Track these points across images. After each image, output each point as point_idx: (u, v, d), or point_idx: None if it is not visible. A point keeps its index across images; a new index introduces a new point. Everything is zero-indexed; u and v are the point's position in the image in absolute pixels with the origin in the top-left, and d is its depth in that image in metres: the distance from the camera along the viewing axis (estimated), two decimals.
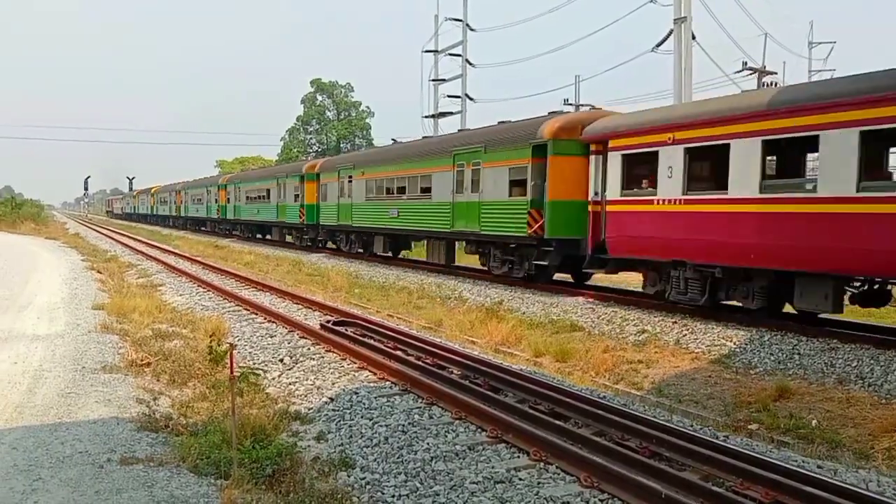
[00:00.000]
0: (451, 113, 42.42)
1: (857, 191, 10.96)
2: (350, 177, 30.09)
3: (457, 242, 24.33)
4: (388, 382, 9.80)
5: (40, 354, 10.81)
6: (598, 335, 15.09)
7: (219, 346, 10.08)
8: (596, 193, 16.81)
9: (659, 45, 31.05)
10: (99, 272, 23.67)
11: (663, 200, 14.61)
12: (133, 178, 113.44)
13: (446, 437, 7.67)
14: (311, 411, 8.70)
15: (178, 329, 13.50)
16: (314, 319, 14.86)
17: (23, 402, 8.31)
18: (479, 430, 7.87)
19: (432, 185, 23.29)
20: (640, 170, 15.66)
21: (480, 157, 20.42)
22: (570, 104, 38.46)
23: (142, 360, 10.41)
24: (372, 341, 12.17)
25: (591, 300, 17.85)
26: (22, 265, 25.53)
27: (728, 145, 13.12)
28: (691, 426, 8.52)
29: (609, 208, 16.35)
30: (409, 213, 25.08)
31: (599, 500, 6.26)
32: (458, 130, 27.79)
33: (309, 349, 11.99)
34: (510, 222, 19.03)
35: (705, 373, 12.23)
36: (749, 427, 9.52)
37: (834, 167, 11.26)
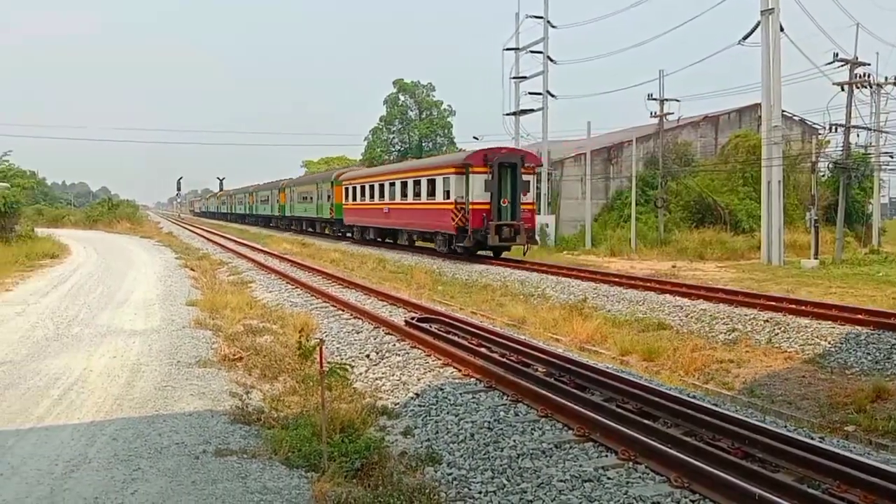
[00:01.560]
0: (532, 110, 42.13)
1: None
2: (349, 185, 40.63)
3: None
4: (472, 379, 9.79)
5: (137, 349, 11.28)
6: (686, 334, 14.74)
7: (308, 341, 10.27)
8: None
9: (745, 37, 30.11)
10: (192, 269, 24.56)
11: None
12: (223, 178, 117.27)
13: (532, 434, 7.62)
14: (397, 406, 8.79)
15: (269, 325, 13.86)
16: (399, 316, 15.00)
17: (122, 394, 8.68)
18: (565, 428, 7.78)
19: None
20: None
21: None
22: (654, 99, 37.69)
23: (234, 355, 10.72)
24: (456, 338, 12.20)
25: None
26: (119, 263, 26.75)
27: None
28: (785, 427, 8.23)
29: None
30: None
31: (690, 500, 6.11)
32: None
33: (394, 345, 12.11)
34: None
35: (799, 373, 11.82)
36: (845, 429, 9.16)
37: (417, 192, 28.89)
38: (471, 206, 26.58)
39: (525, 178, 26.92)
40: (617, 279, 21.54)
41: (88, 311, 15.07)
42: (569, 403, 8.20)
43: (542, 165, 36.14)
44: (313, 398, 8.46)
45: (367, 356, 11.56)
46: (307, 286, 19.82)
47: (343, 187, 41.83)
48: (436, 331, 12.76)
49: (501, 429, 7.77)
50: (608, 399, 8.76)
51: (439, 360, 10.90)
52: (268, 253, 32.93)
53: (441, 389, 9.29)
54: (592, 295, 19.18)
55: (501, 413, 8.31)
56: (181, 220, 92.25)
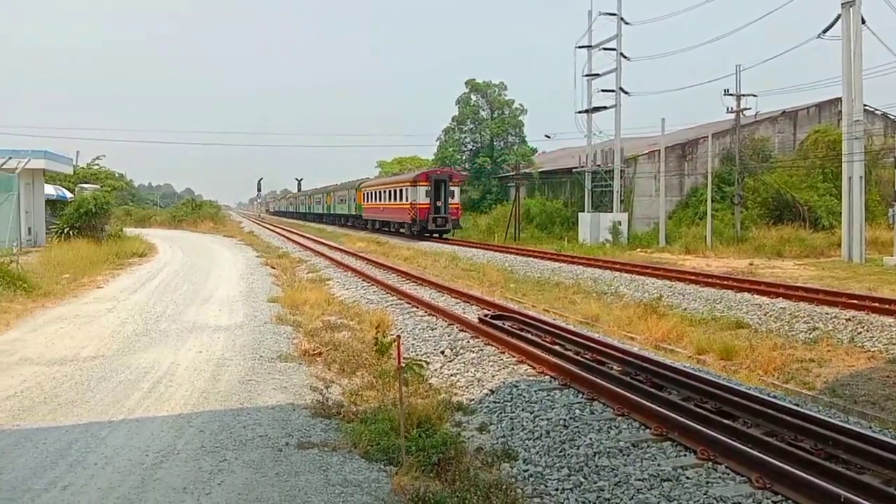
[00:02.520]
0: (605, 107, 41.46)
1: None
2: (365, 191, 56.59)
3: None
4: (547, 376, 9.70)
5: (222, 344, 11.58)
6: (765, 332, 14.29)
7: (384, 337, 10.36)
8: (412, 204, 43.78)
9: (826, 30, 28.97)
10: (272, 267, 25.13)
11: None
12: (301, 179, 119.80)
13: (609, 433, 7.49)
14: (472, 402, 8.77)
15: (346, 321, 14.05)
16: (472, 313, 15.01)
17: (208, 388, 8.92)
18: (642, 427, 7.62)
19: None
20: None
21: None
22: (731, 94, 36.58)
23: (314, 350, 10.91)
24: (529, 335, 12.12)
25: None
26: (203, 261, 27.59)
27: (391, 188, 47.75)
28: (870, 428, 7.89)
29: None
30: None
31: (772, 501, 5.91)
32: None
33: (468, 342, 12.11)
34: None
35: (883, 373, 11.36)
36: None
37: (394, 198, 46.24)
38: (418, 206, 43.56)
39: (451, 188, 44.24)
40: (692, 277, 21.04)
41: (175, 307, 15.57)
42: (646, 402, 8.03)
43: (464, 181, 52.63)
44: (390, 393, 8.53)
45: (442, 352, 11.59)
46: (382, 283, 20.02)
47: (362, 192, 58.17)
48: (509, 328, 12.71)
49: (577, 426, 7.66)
50: (686, 398, 8.54)
51: (513, 357, 10.83)
52: (344, 251, 33.43)
53: (516, 386, 9.23)
54: (667, 293, 18.78)
55: (577, 411, 8.20)
56: (261, 220, 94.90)
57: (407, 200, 45.43)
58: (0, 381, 9.06)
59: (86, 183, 51.65)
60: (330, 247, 36.78)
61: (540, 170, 53.93)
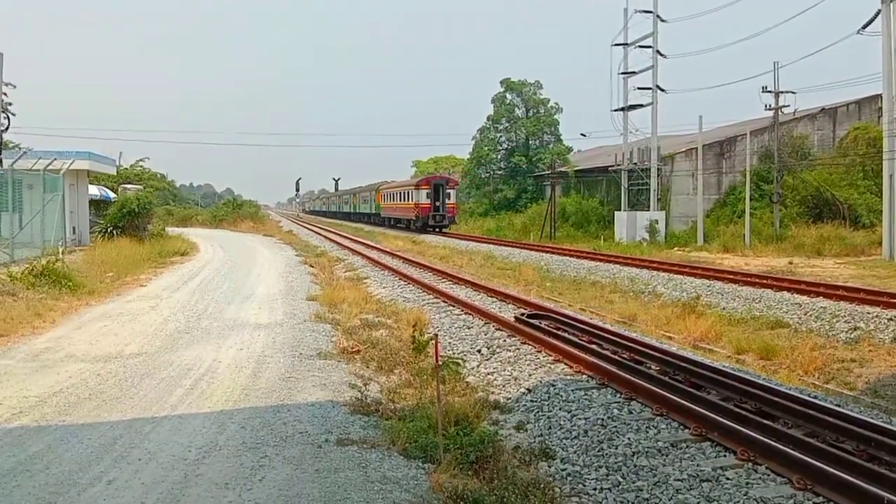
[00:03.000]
0: (641, 105, 41.03)
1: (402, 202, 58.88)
2: (382, 193, 66.94)
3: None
4: (584, 376, 9.64)
5: (262, 341, 11.70)
6: (805, 332, 14.02)
7: (421, 335, 10.38)
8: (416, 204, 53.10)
9: (865, 26, 28.35)
10: (311, 266, 25.33)
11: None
12: (339, 178, 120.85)
13: (647, 433, 7.41)
14: (509, 401, 8.75)
15: (384, 319, 14.12)
16: (508, 312, 14.98)
17: (249, 384, 9.01)
18: (681, 427, 7.53)
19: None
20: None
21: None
22: (769, 91, 35.95)
23: (352, 348, 10.97)
24: (566, 334, 12.06)
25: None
26: (243, 260, 27.91)
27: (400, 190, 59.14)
28: None
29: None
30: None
31: (814, 503, 5.78)
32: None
33: (505, 341, 12.09)
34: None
35: None
36: None
37: (403, 199, 58.16)
38: (421, 206, 54.18)
39: (448, 191, 54.95)
40: (731, 276, 20.75)
41: (216, 305, 15.77)
42: (684, 402, 7.94)
43: (458, 185, 62.61)
44: (428, 391, 8.53)
45: (479, 351, 11.58)
46: (419, 282, 20.09)
47: (380, 194, 68.77)
48: (546, 327, 12.66)
49: (615, 426, 7.60)
50: (725, 398, 8.42)
51: (550, 356, 10.79)
52: (381, 250, 33.57)
53: (553, 385, 9.18)
54: (705, 292, 18.54)
55: (615, 410, 8.13)
56: (299, 220, 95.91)
57: (412, 201, 56.55)
58: (46, 378, 9.26)
59: (129, 183, 52.59)
60: (367, 246, 36.98)
61: (575, 168, 53.57)
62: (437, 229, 53.56)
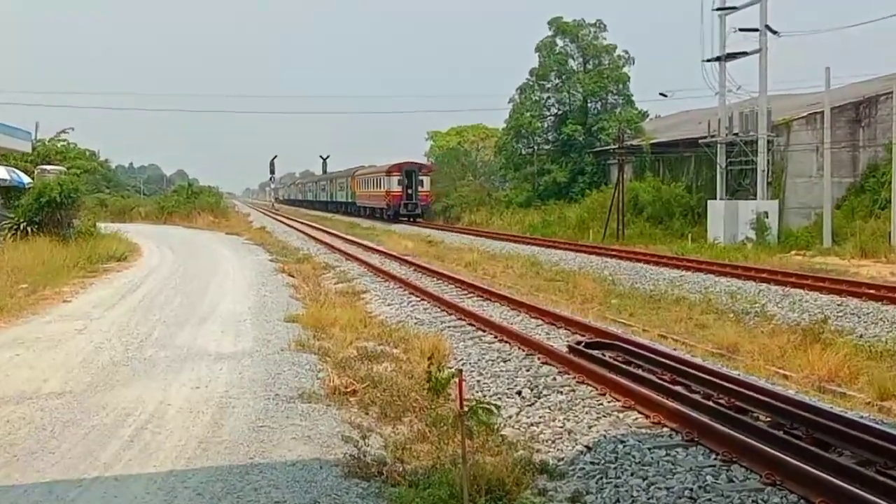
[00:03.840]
0: (745, 53, 40.67)
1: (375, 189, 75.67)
2: (357, 179, 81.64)
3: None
4: (665, 428, 9.59)
5: (226, 378, 11.77)
6: None
7: (440, 371, 10.36)
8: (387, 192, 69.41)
9: None
10: (291, 275, 25.51)
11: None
12: (328, 157, 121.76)
13: None
14: (561, 463, 8.72)
15: (388, 348, 14.18)
16: (559, 339, 14.93)
17: (207, 436, 9.05)
18: (801, 500, 7.46)
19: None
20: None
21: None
22: None
23: (346, 388, 10.99)
24: (639, 371, 11.99)
25: None
26: (201, 267, 28.18)
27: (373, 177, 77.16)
28: None
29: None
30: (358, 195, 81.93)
31: None
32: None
33: (555, 379, 12.06)
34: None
35: None
36: None
37: (375, 186, 74.38)
38: (392, 194, 66.48)
39: (421, 178, 68.31)
40: (872, 291, 20.61)
41: (165, 328, 15.94)
42: (806, 467, 7.86)
43: (433, 171, 75.99)
44: (449, 447, 8.53)
45: (519, 393, 11.55)
46: (436, 298, 20.13)
47: (356, 180, 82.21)
48: (611, 360, 12.61)
49: (709, 499, 7.55)
50: (862, 462, 8.34)
51: (618, 400, 10.74)
52: (384, 253, 33.71)
53: (622, 442, 9.15)
54: (836, 313, 18.40)
55: (709, 477, 8.08)
56: (274, 211, 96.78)
57: (383, 188, 69.82)
58: None
59: (48, 164, 52.98)
60: (366, 248, 37.19)
61: (652, 141, 53.36)
62: (410, 219, 66.80)
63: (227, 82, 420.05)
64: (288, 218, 76.94)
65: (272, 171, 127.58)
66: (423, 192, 68.74)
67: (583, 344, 13.68)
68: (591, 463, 8.64)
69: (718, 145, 42.11)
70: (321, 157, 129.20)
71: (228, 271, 26.68)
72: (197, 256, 32.23)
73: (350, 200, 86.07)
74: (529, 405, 11.02)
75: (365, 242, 40.47)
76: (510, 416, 10.53)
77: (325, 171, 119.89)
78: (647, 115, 65.77)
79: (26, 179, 41.36)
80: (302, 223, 64.34)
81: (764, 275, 24.31)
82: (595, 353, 13.04)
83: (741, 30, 40.56)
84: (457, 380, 7.06)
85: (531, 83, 65.80)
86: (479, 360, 13.73)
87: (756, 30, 39.66)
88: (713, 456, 8.66)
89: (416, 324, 17.19)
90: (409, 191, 67.61)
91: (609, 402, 10.79)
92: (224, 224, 57.82)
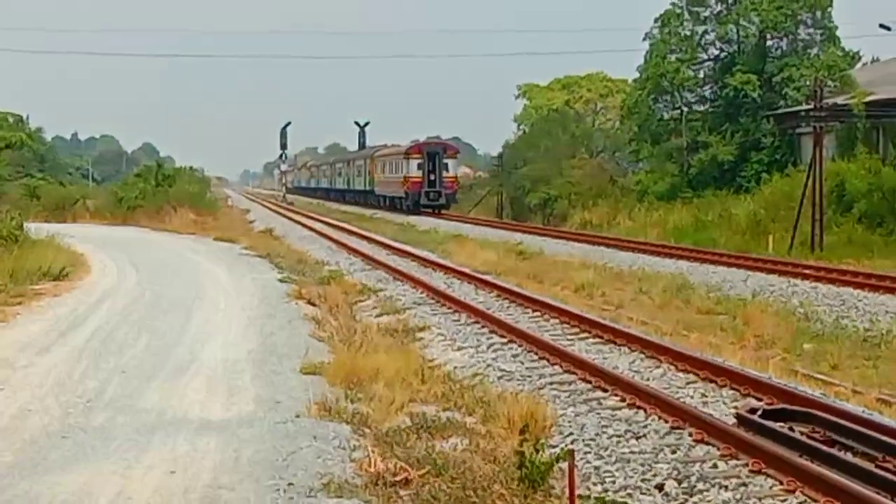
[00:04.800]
0: None
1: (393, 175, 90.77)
2: (376, 162, 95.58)
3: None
4: None
5: (215, 458, 11.77)
6: None
7: (537, 452, 10.31)
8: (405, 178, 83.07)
9: None
10: (311, 303, 25.56)
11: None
12: (366, 124, 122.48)
13: None
14: None
15: (459, 415, 14.13)
16: (722, 405, 14.82)
17: None
18: None
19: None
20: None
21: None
22: None
23: (395, 475, 10.96)
24: (849, 456, 11.79)
25: None
26: (177, 290, 28.43)
27: (390, 160, 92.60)
28: None
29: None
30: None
31: None
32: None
33: (715, 466, 11.97)
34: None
35: None
36: None
37: (393, 170, 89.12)
38: (411, 180, 79.09)
39: (446, 161, 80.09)
40: None
41: (124, 381, 16.00)
42: None
43: (458, 153, 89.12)
44: None
45: (660, 488, 11.48)
46: (532, 338, 20.03)
47: (374, 163, 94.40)
48: (804, 438, 12.41)
49: None
50: None
51: (813, 500, 10.59)
52: (452, 270, 33.65)
53: None
54: None
55: None
56: (288, 206, 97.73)
57: (401, 173, 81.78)
58: None
59: None
60: (424, 261, 37.29)
61: (868, 99, 52.53)
62: (433, 210, 77.96)
63: (220, 12, 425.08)
64: (307, 216, 77.32)
65: (283, 146, 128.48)
66: (449, 177, 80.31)
67: (759, 412, 13.50)
68: None
69: None
70: (357, 124, 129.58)
71: (218, 298, 26.85)
72: (171, 275, 32.42)
73: (369, 188, 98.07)
74: None
75: (423, 254, 40.39)
76: None
77: (362, 146, 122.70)
78: (860, 59, 64.93)
79: None
80: (328, 223, 64.59)
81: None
82: (778, 426, 12.85)
83: None
84: (565, 466, 7.02)
85: (678, 10, 65.56)
86: (597, 435, 13.65)
87: None
88: None
89: (500, 378, 17.20)
90: (432, 176, 78.76)
91: (802, 501, 10.65)
92: (212, 225, 57.99)
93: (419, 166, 77.53)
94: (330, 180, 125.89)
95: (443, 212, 75.90)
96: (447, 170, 78.43)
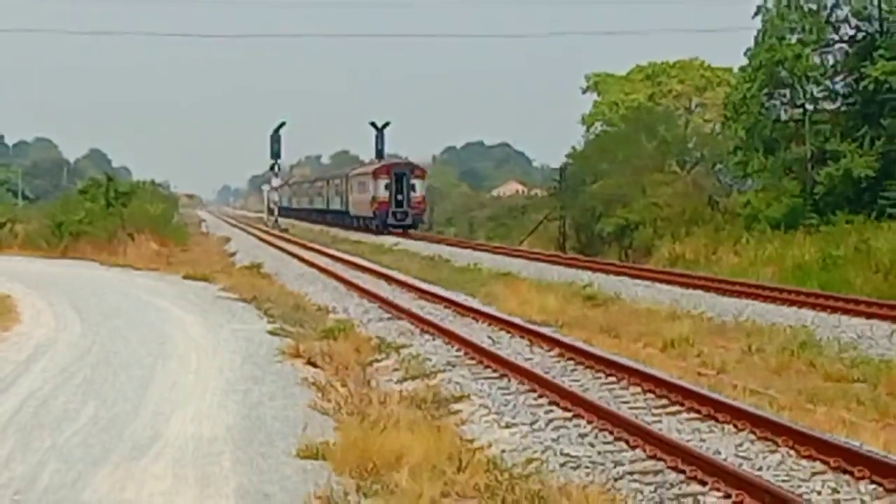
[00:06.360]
0: None
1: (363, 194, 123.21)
2: (350, 182, 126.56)
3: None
4: None
5: None
6: None
7: None
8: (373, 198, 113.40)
9: None
10: (311, 363, 25.59)
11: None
12: (385, 125, 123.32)
13: None
14: None
15: None
16: (857, 500, 14.74)
17: None
18: None
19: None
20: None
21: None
22: None
23: None
24: None
25: None
26: (134, 343, 28.53)
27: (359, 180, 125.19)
28: None
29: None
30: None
31: None
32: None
33: None
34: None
35: None
36: None
37: (362, 190, 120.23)
38: (379, 200, 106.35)
39: (413, 181, 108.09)
40: None
41: (63, 466, 15.98)
42: None
43: (426, 174, 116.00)
44: None
45: None
46: (605, 412, 19.97)
47: (349, 183, 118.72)
48: None
49: None
50: None
51: None
52: (498, 320, 33.63)
53: None
54: None
55: None
56: (280, 233, 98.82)
57: (369, 194, 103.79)
58: None
59: None
60: (459, 307, 37.25)
61: None
62: (401, 230, 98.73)
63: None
64: (306, 246, 77.51)
65: (276, 155, 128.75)
66: (416, 198, 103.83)
67: None
68: None
69: None
70: (374, 125, 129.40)
71: (189, 355, 26.88)
72: (127, 324, 32.54)
73: (344, 209, 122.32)
74: None
75: (459, 298, 40.41)
76: None
77: (379, 153, 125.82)
78: None
79: None
80: (332, 256, 64.80)
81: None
82: None
83: None
84: None
85: None
86: None
87: None
88: None
89: (563, 465, 17.15)
90: (399, 197, 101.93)
91: None
92: (181, 259, 58.49)
93: (387, 187, 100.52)
94: (310, 200, 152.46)
95: (497, 245, 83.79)
96: (414, 190, 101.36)
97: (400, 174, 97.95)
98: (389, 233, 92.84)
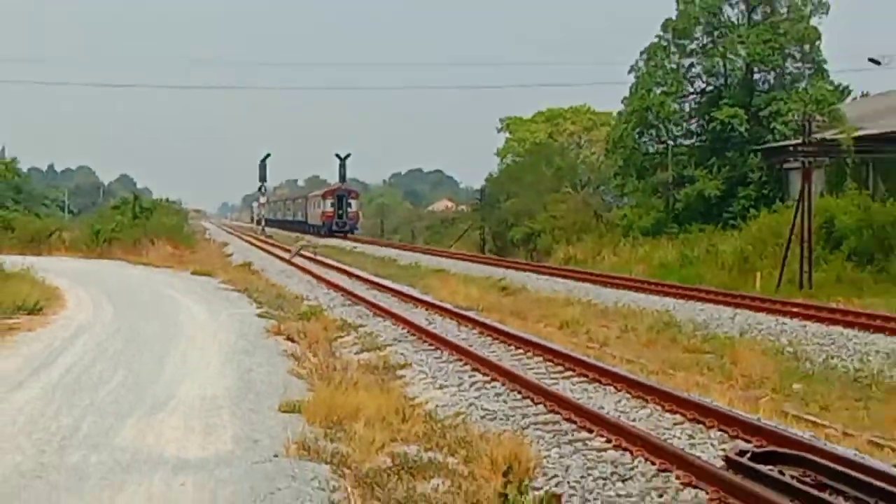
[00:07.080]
0: None
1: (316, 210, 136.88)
2: (311, 200, 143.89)
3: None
4: None
5: (192, 498, 11.75)
6: None
7: (521, 494, 10.26)
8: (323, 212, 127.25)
9: None
10: (290, 339, 25.56)
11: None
12: (347, 156, 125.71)
13: None
14: None
15: (440, 456, 14.08)
16: (710, 447, 14.81)
17: None
18: None
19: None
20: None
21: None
22: None
23: None
24: (841, 500, 11.75)
25: None
26: (154, 325, 28.40)
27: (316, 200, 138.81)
28: None
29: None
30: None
31: None
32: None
33: None
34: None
35: None
36: None
37: (318, 207, 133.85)
38: (326, 214, 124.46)
39: (350, 201, 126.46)
40: None
41: (99, 419, 15.97)
42: None
43: (359, 195, 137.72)
44: None
45: None
46: (515, 376, 19.97)
47: (309, 202, 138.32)
48: (794, 482, 12.37)
49: None
50: None
51: None
52: (434, 306, 33.58)
53: None
54: None
55: None
56: (265, 238, 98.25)
57: (320, 209, 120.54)
58: None
59: None
60: (405, 297, 37.23)
61: (857, 134, 52.74)
62: (342, 234, 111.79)
63: (198, 40, 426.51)
64: (286, 249, 77.38)
65: (262, 178, 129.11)
66: (351, 212, 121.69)
67: (748, 455, 13.43)
68: None
69: None
70: (338, 156, 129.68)
71: (196, 333, 26.83)
72: (148, 309, 32.38)
73: (303, 220, 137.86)
74: None
75: (404, 289, 40.31)
76: None
77: (342, 178, 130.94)
78: (850, 94, 65.14)
79: None
80: (307, 257, 64.57)
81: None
82: (768, 469, 12.79)
83: None
84: None
85: (664, 43, 65.70)
86: (582, 473, 13.62)
87: None
88: None
89: (483, 417, 17.13)
90: (340, 211, 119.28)
91: None
92: (190, 258, 58.02)
93: (332, 204, 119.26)
94: (284, 213, 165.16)
95: (433, 248, 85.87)
96: (350, 207, 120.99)
97: (340, 195, 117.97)
98: (333, 235, 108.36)
